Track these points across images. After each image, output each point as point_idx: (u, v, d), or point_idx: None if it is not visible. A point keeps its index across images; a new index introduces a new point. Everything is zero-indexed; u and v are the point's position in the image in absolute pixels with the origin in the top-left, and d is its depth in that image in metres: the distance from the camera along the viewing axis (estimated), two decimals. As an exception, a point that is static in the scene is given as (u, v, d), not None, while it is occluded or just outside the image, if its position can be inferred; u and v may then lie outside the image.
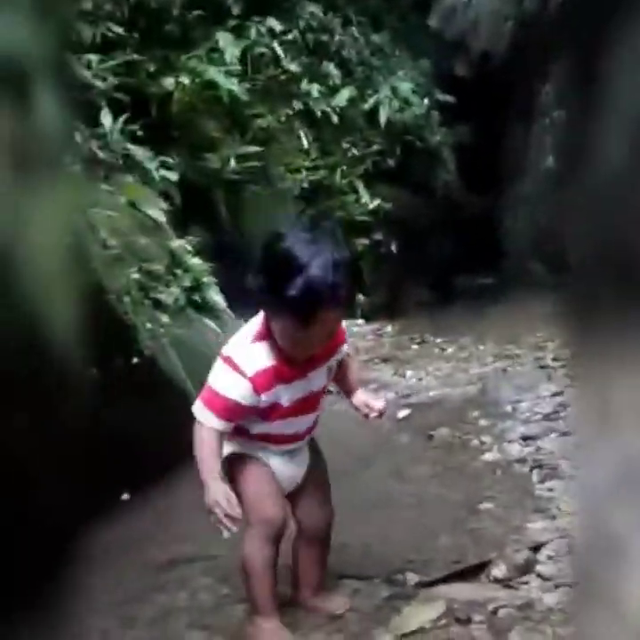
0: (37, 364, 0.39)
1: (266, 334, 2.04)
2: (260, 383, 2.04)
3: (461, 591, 2.37)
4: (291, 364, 2.07)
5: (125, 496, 3.15)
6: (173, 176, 5.68)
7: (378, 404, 2.26)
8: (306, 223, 2.07)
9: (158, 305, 4.08)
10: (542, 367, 4.76)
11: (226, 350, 2.08)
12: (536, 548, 2.55)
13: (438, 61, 9.62)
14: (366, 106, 7.74)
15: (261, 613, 2.21)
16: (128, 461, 2.99)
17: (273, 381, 2.06)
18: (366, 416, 2.25)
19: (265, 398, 2.06)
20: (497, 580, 2.41)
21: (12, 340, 0.37)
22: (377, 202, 7.33)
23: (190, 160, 6.20)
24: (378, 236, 7.31)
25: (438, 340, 5.76)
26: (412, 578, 2.48)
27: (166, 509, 3.10)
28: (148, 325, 3.71)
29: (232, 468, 2.18)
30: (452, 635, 2.18)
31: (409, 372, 4.98)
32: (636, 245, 0.40)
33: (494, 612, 2.25)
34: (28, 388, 0.39)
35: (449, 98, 8.71)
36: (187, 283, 4.52)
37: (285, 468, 2.22)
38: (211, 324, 4.50)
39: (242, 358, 2.04)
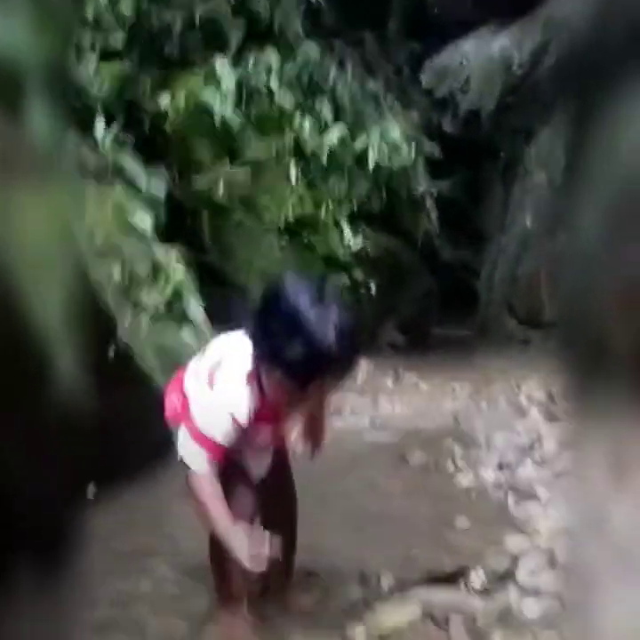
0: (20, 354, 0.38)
1: (255, 377, 1.91)
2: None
3: (438, 595, 2.28)
4: (272, 408, 1.96)
5: (91, 490, 3.02)
6: (161, 192, 5.66)
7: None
8: (308, 282, 1.85)
9: (137, 306, 4.00)
10: (516, 406, 4.73)
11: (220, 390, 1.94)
12: (514, 560, 2.47)
13: (427, 115, 9.83)
14: (356, 147, 7.82)
15: (227, 606, 2.11)
16: (98, 455, 2.87)
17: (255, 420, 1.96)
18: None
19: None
20: (474, 588, 2.33)
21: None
22: (359, 242, 7.36)
23: (178, 179, 6.19)
24: (357, 275, 7.32)
25: (413, 378, 5.72)
26: (386, 580, 2.39)
27: (135, 504, 2.99)
28: (127, 323, 3.63)
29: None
30: (431, 637, 2.09)
31: (384, 403, 4.92)
32: None
33: (472, 617, 2.17)
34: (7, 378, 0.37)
35: (435, 150, 8.85)
36: (168, 291, 4.45)
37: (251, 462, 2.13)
38: (188, 333, 4.43)
39: (233, 398, 1.92)
